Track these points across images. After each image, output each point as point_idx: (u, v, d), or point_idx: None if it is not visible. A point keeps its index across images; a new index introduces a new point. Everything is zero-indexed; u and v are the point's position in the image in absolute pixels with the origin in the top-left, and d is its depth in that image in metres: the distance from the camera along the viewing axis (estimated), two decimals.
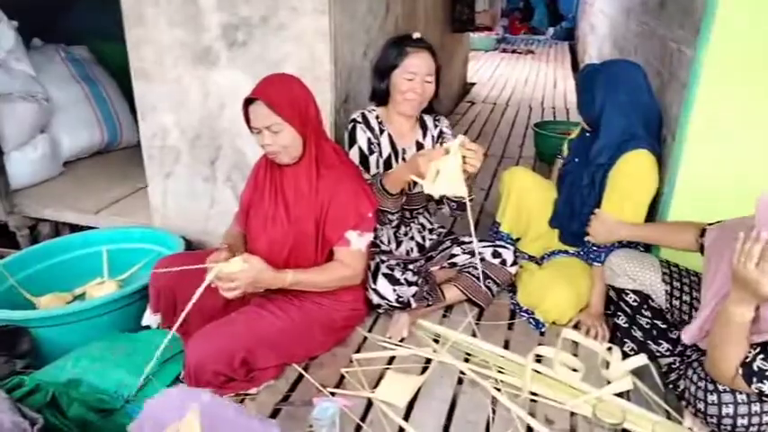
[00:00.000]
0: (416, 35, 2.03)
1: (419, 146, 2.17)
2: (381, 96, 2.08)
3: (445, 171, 1.69)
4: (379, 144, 2.10)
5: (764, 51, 1.72)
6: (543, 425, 1.62)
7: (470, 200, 1.81)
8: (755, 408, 1.43)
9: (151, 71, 2.43)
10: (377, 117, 2.12)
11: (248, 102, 1.74)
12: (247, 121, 1.77)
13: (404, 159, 2.12)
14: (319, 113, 1.84)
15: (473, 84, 6.89)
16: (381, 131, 2.11)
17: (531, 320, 2.14)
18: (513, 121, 5.17)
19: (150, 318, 1.96)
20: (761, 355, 1.40)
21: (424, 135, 2.19)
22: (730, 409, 1.44)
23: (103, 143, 3.59)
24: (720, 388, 1.47)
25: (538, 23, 13.08)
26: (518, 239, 2.44)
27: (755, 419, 1.43)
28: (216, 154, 2.49)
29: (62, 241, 2.60)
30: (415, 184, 1.92)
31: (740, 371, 1.41)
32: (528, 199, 2.36)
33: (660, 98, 2.19)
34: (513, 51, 9.80)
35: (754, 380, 1.40)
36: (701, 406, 1.49)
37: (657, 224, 2.03)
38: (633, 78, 2.05)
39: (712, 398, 1.48)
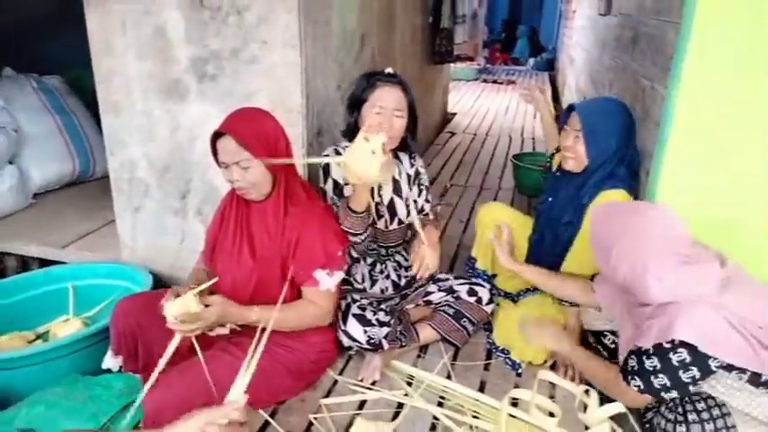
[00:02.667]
0: (388, 70, 2.00)
1: (395, 183, 2.12)
2: (353, 131, 2.03)
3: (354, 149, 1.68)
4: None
5: (736, 89, 1.72)
6: None
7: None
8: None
9: (120, 103, 2.38)
10: None
11: (216, 135, 1.68)
12: (215, 155, 1.71)
13: (380, 196, 2.07)
14: (290, 148, 1.79)
15: (454, 114, 6.92)
16: None
17: (508, 361, 2.08)
18: (493, 151, 5.17)
19: (110, 360, 1.87)
20: (630, 357, 1.59)
21: (399, 173, 2.15)
22: None
23: (75, 174, 3.52)
24: (690, 418, 1.47)
25: (519, 54, 13.29)
26: (494, 276, 2.40)
27: None
28: (186, 187, 2.43)
29: (25, 277, 2.50)
30: (393, 220, 1.96)
31: (619, 377, 1.62)
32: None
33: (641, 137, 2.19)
34: (494, 81, 9.91)
35: (629, 378, 1.58)
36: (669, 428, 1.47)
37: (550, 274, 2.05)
38: (614, 120, 2.02)
39: (681, 429, 1.48)
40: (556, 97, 8.27)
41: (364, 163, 1.64)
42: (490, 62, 12.37)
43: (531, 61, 12.22)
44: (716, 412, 1.48)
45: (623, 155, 2.01)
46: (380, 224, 2.09)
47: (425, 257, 1.87)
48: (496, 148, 5.31)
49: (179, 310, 1.54)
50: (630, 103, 2.44)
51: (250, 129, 1.63)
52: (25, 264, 2.93)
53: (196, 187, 2.42)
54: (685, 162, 1.82)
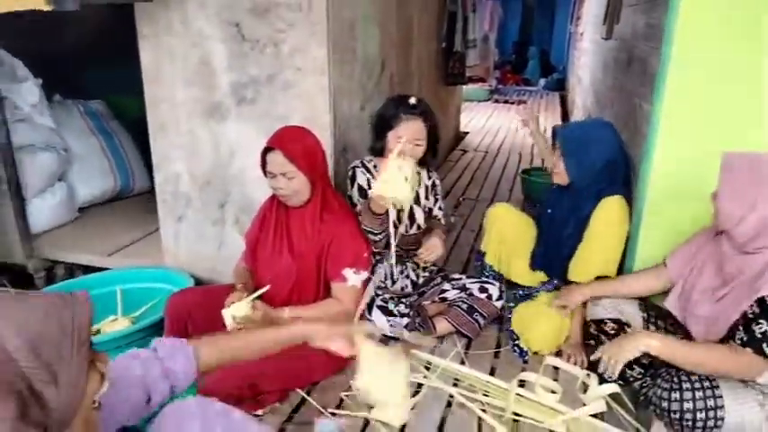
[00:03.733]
0: (412, 101, 2.27)
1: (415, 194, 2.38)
2: (379, 151, 2.32)
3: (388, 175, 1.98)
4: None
5: (715, 105, 1.96)
6: None
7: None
8: (710, 402, 1.63)
9: (166, 124, 2.67)
10: (374, 166, 2.36)
11: (266, 150, 1.96)
12: (263, 166, 1.99)
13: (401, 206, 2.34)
14: (326, 162, 2.07)
15: (466, 132, 7.20)
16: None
17: (516, 348, 2.31)
18: (503, 167, 5.43)
19: None
20: (757, 323, 1.61)
21: (419, 185, 2.43)
22: (690, 404, 1.63)
23: (116, 190, 3.82)
24: (684, 386, 1.66)
25: (530, 75, 13.58)
26: (501, 275, 2.63)
27: (711, 413, 1.62)
28: (225, 199, 2.71)
29: (79, 281, 2.79)
30: (412, 226, 2.31)
31: (735, 349, 1.63)
32: (508, 232, 2.57)
33: (629, 148, 2.43)
34: (506, 102, 10.19)
35: (762, 345, 1.59)
36: (665, 405, 1.66)
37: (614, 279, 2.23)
38: (593, 142, 2.25)
39: (675, 395, 1.66)
40: (566, 116, 8.52)
41: (398, 187, 1.94)
42: (502, 83, 12.67)
43: (542, 81, 12.51)
44: (706, 384, 1.66)
45: (615, 168, 2.25)
46: (401, 229, 2.35)
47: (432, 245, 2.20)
48: (507, 164, 5.57)
49: (239, 313, 1.83)
50: (625, 120, 2.70)
51: (296, 145, 1.92)
52: (71, 272, 3.22)
53: (233, 199, 2.70)
54: (670, 174, 2.05)
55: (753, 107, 1.92)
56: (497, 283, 2.45)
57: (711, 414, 1.64)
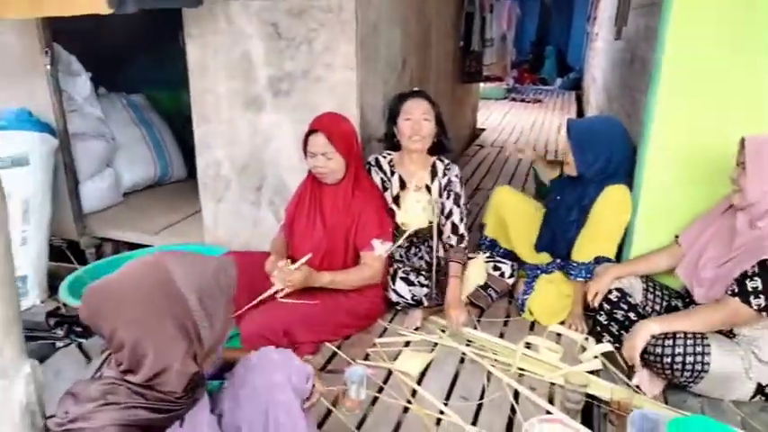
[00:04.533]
0: (415, 89, 2.56)
1: (427, 189, 2.60)
2: (390, 139, 2.58)
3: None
4: (390, 182, 2.59)
5: (705, 99, 2.19)
6: (527, 390, 2.04)
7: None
8: (698, 349, 1.89)
9: (209, 114, 2.96)
10: (390, 161, 2.62)
11: (309, 132, 2.25)
12: (305, 146, 2.27)
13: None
14: (360, 146, 2.34)
15: (483, 129, 7.44)
16: (393, 173, 2.61)
17: (520, 302, 2.60)
18: (518, 161, 5.65)
19: None
20: (751, 279, 1.84)
21: (433, 179, 2.60)
22: (680, 349, 1.89)
23: (156, 177, 4.13)
24: (678, 335, 1.91)
25: (546, 74, 13.74)
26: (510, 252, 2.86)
27: (699, 358, 1.88)
28: (261, 183, 2.99)
29: (126, 256, 3.09)
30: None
31: (729, 301, 1.86)
32: (507, 210, 2.78)
33: (633, 138, 2.67)
34: (522, 100, 10.40)
35: (750, 298, 1.82)
36: (658, 350, 1.91)
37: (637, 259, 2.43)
38: (600, 137, 2.48)
39: (668, 342, 1.91)
40: (581, 115, 8.71)
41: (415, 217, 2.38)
42: (519, 82, 12.86)
43: (559, 81, 12.68)
44: (698, 333, 1.92)
45: (620, 161, 2.48)
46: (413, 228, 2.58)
47: (454, 317, 2.38)
48: (521, 159, 5.79)
49: (286, 276, 2.14)
50: (628, 113, 2.94)
51: (336, 129, 2.22)
52: (117, 249, 3.52)
53: (269, 183, 2.98)
54: (665, 160, 2.30)
55: (739, 100, 2.16)
56: (509, 262, 2.70)
57: (699, 359, 1.89)
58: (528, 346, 2.31)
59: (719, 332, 1.98)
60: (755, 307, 1.82)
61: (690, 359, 1.89)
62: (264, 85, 2.82)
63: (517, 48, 13.92)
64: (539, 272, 2.70)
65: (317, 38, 2.66)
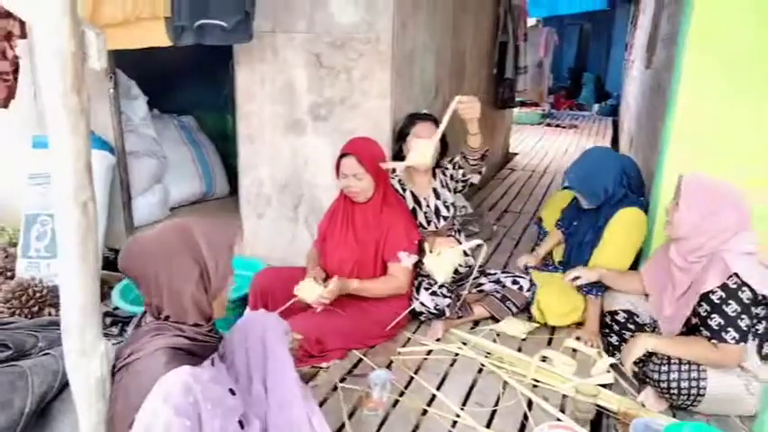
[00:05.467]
0: (424, 111, 2.78)
1: (435, 192, 2.82)
2: (398, 156, 2.81)
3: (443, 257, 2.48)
4: (404, 199, 2.78)
5: (719, 127, 2.32)
6: (540, 400, 2.17)
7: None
8: (694, 374, 2.00)
9: (254, 136, 3.21)
10: (399, 181, 2.83)
11: (341, 155, 2.46)
12: (337, 168, 2.48)
13: (428, 206, 2.81)
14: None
15: (515, 153, 7.57)
16: (404, 190, 2.81)
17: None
18: (548, 185, 5.78)
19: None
20: (710, 318, 1.97)
21: (434, 179, 2.85)
22: (675, 375, 2.01)
23: (201, 194, 4.40)
24: (672, 361, 2.03)
25: (584, 100, 13.78)
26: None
27: (694, 383, 2.00)
28: (299, 201, 3.21)
29: None
30: (439, 221, 2.83)
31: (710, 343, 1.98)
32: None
33: (652, 165, 2.79)
34: (558, 126, 10.48)
35: (722, 336, 1.94)
36: (655, 376, 2.05)
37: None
38: (599, 172, 2.67)
39: (664, 368, 2.04)
40: (615, 140, 8.75)
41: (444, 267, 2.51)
42: (555, 107, 12.93)
43: (596, 107, 12.70)
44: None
45: (628, 184, 2.66)
46: (431, 228, 2.78)
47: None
48: (552, 183, 5.91)
49: (308, 298, 2.36)
50: (651, 142, 3.06)
51: (367, 152, 2.43)
52: None
53: (306, 201, 3.20)
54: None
55: (751, 129, 2.28)
56: (527, 277, 2.84)
57: (695, 384, 2.00)
58: (544, 359, 2.44)
59: None
60: (732, 341, 1.94)
61: (685, 384, 2.01)
62: (305, 111, 3.05)
63: (555, 74, 14.06)
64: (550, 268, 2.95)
65: (356, 67, 2.88)
